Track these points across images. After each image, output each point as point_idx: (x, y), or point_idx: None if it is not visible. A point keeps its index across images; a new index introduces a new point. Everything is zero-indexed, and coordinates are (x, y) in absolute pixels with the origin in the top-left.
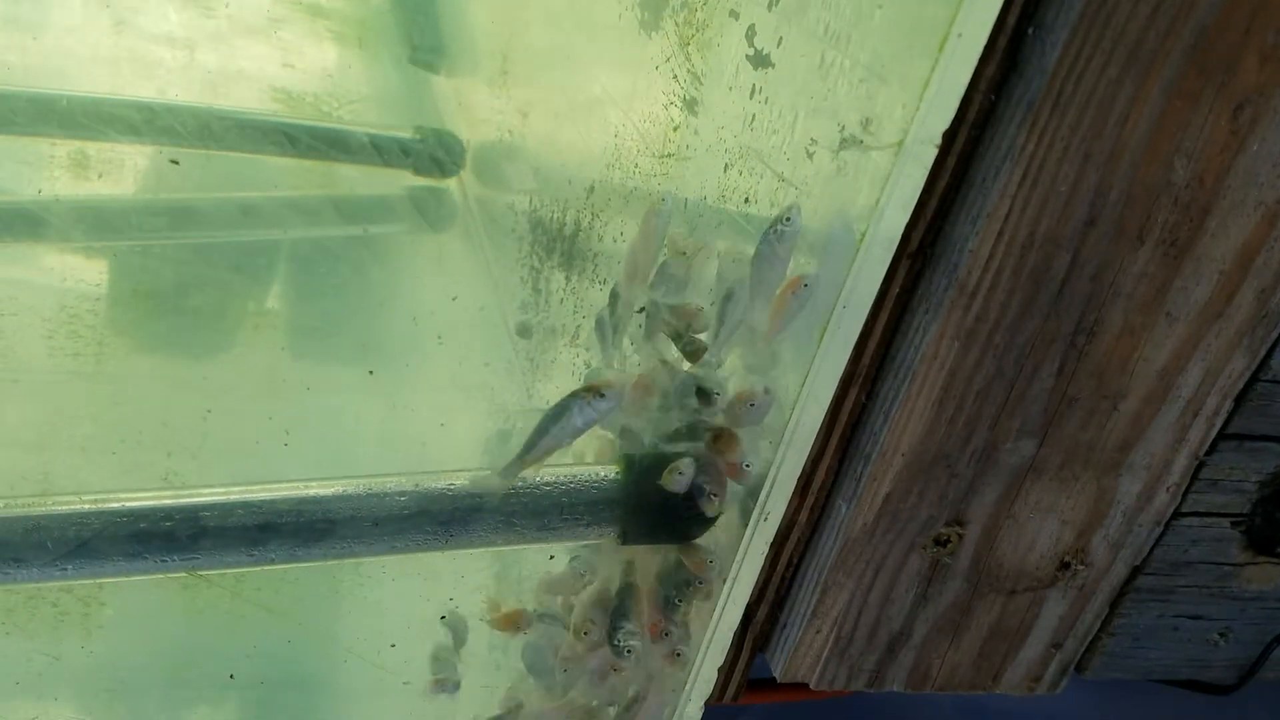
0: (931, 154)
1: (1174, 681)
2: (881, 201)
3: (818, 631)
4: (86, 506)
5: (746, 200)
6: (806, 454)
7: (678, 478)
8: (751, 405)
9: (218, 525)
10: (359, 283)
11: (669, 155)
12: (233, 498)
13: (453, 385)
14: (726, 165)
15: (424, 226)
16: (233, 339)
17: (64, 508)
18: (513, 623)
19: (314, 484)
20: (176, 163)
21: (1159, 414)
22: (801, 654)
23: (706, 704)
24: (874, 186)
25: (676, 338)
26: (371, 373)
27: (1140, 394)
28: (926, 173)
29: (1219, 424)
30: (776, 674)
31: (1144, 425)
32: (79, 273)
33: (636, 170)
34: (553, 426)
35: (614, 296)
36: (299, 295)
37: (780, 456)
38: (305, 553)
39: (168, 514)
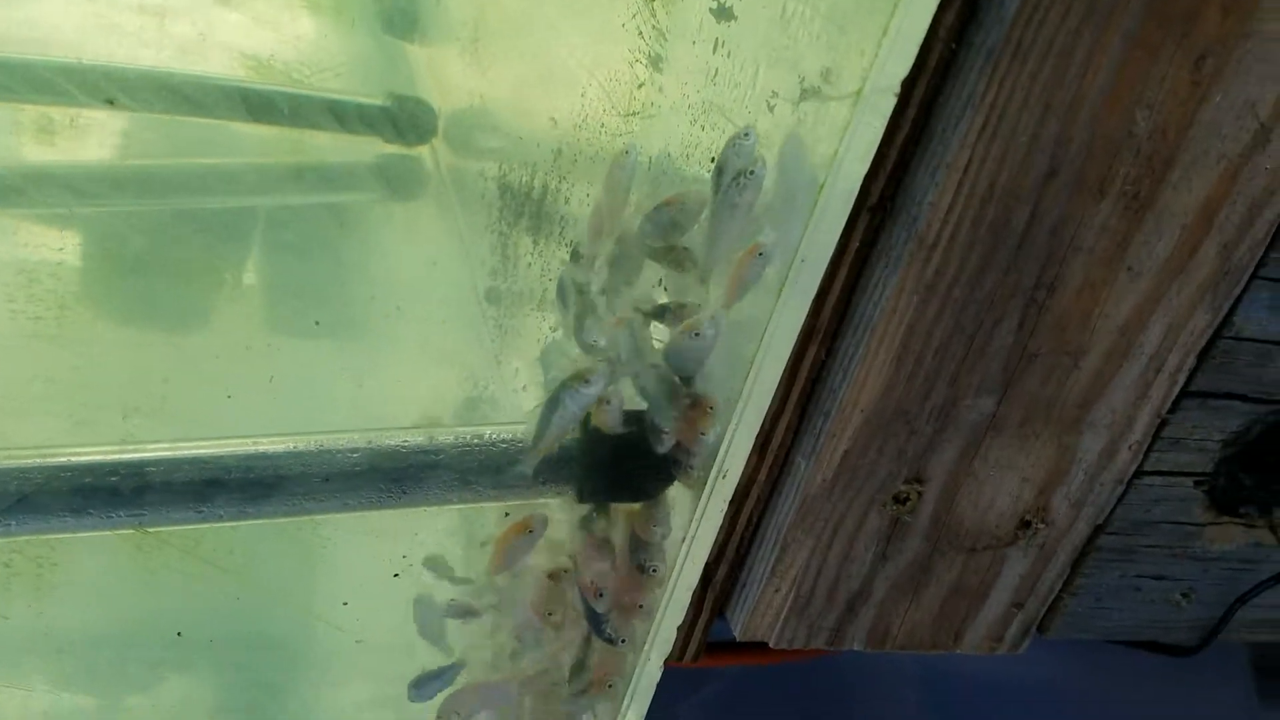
0: (890, 103)
1: (1135, 643)
2: (840, 152)
3: (776, 590)
4: (29, 461)
5: (713, 160)
6: (765, 410)
7: (606, 409)
8: (696, 335)
9: (164, 481)
10: (329, 251)
11: (634, 114)
12: (180, 453)
13: (423, 353)
14: (691, 121)
15: (396, 194)
16: (199, 307)
17: (5, 462)
18: (524, 527)
19: (263, 440)
20: (112, 102)
21: (1120, 371)
22: (761, 612)
23: (666, 663)
24: (833, 138)
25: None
26: (338, 340)
27: (1101, 350)
28: (885, 123)
29: (1181, 381)
30: (736, 632)
31: (1105, 382)
32: (41, 238)
33: (603, 130)
34: (553, 417)
35: (575, 255)
36: (268, 263)
37: (739, 413)
38: (255, 509)
39: (113, 469)
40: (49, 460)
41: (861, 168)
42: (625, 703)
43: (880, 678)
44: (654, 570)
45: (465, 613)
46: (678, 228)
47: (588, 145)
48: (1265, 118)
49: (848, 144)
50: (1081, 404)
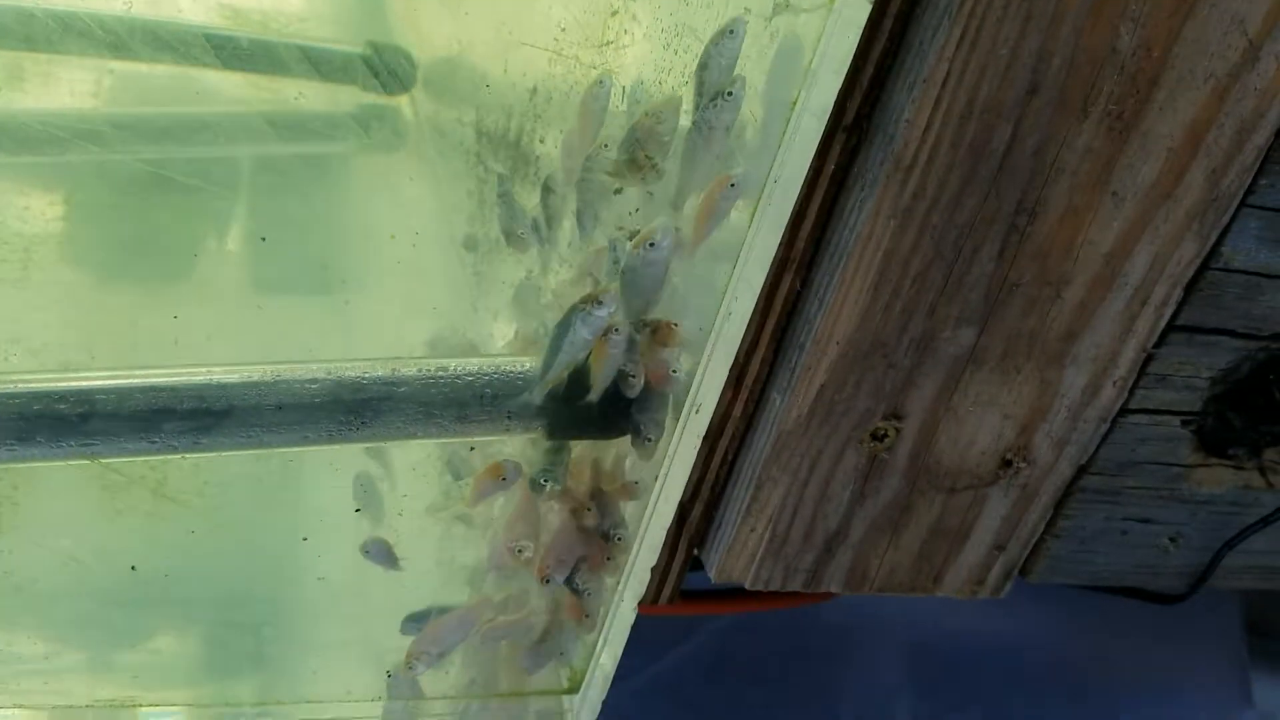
0: (865, 12)
1: (1121, 590)
2: (814, 64)
3: (752, 530)
4: None
5: (686, 82)
6: (739, 344)
7: (612, 339)
8: (650, 245)
9: (113, 409)
10: (306, 202)
11: (608, 43)
12: (130, 381)
13: (400, 302)
14: (664, 45)
15: (374, 144)
16: (172, 257)
17: None
18: (497, 473)
19: (217, 369)
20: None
21: (1105, 302)
22: (736, 553)
23: (640, 605)
24: (806, 51)
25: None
26: (314, 290)
27: (1085, 280)
28: (860, 35)
29: (1168, 314)
30: (711, 574)
31: (1089, 314)
32: (10, 185)
33: (577, 64)
34: (563, 343)
35: (546, 190)
36: (244, 213)
37: (711, 346)
38: (208, 440)
39: (61, 396)
40: None
41: (836, 82)
42: (599, 645)
43: (866, 639)
44: (619, 538)
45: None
46: (655, 138)
47: (562, 81)
48: (1254, 35)
49: (821, 56)
50: (1064, 337)
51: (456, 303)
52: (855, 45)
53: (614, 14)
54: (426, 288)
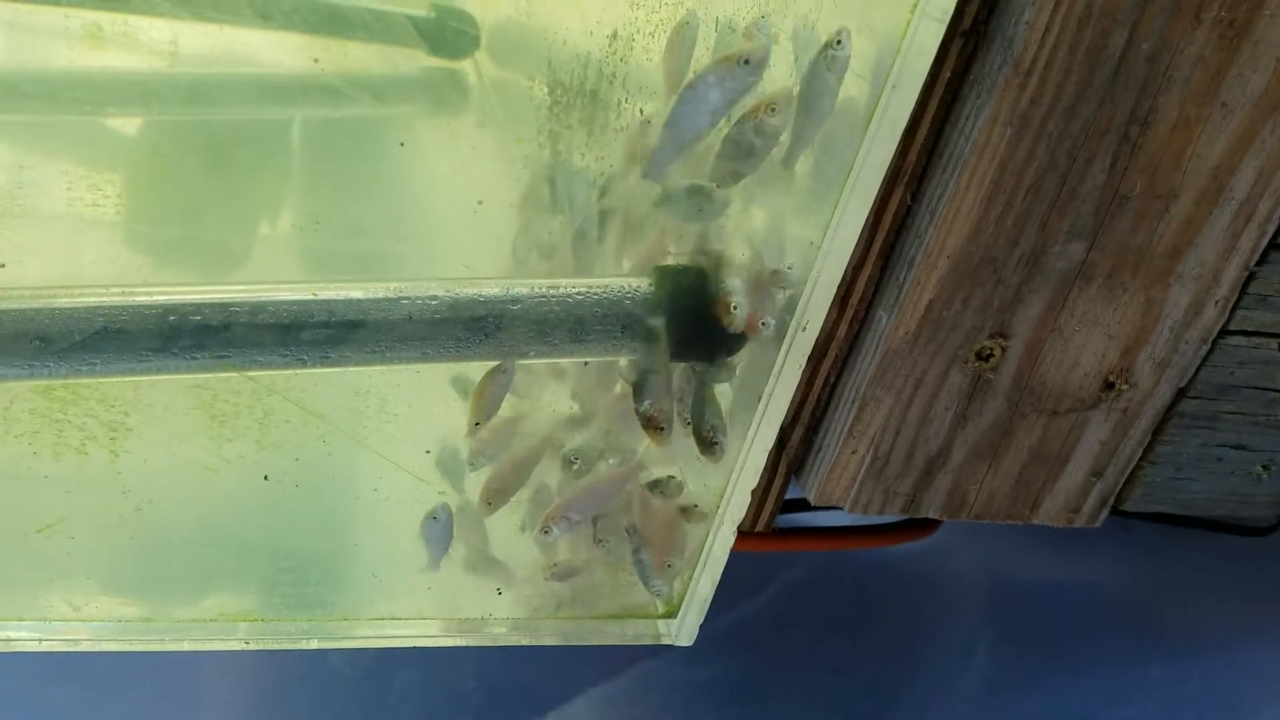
0: None
1: (1208, 523)
2: None
3: (853, 452)
4: (113, 299)
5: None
6: (847, 261)
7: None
8: (773, 110)
9: (249, 320)
10: (371, 164)
11: None
12: (263, 296)
13: (469, 269)
14: None
15: (438, 108)
16: (242, 218)
17: (88, 299)
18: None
19: (345, 285)
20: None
21: (1211, 217)
22: (836, 476)
23: (740, 529)
24: None
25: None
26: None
27: (1192, 194)
28: None
29: (1270, 231)
30: (810, 497)
31: (1195, 229)
32: (99, 139)
33: (662, 3)
34: (687, 108)
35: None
36: (309, 171)
37: (819, 264)
38: (336, 354)
39: (197, 308)
40: (132, 298)
41: None
42: (698, 569)
43: (943, 586)
44: (716, 442)
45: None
46: (760, 147)
47: (645, 21)
48: None
49: None
50: (1170, 253)
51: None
52: None
53: None
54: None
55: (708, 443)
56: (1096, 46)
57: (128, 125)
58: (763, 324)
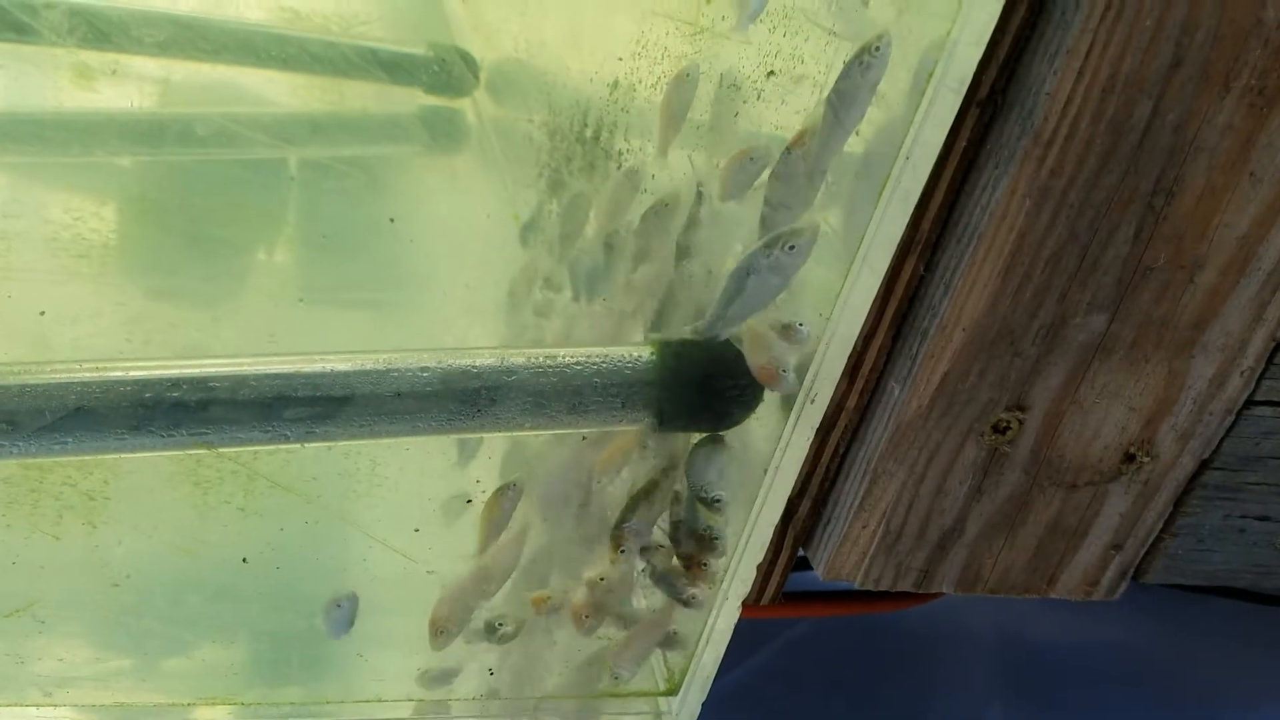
0: None
1: (1227, 592)
2: (953, 35)
3: (864, 525)
4: (86, 375)
5: (801, 60)
6: (858, 331)
7: (780, 377)
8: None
9: (229, 397)
10: (368, 204)
11: (702, 31)
12: (245, 369)
13: (466, 311)
14: (770, 29)
15: (437, 147)
16: (238, 255)
17: (61, 375)
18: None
19: (331, 357)
20: (149, 49)
21: (1237, 287)
22: (847, 550)
23: (744, 604)
24: (942, 22)
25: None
26: (377, 291)
27: (1219, 264)
28: (1000, 5)
29: None
30: (819, 571)
31: (1221, 300)
32: (86, 183)
33: (665, 55)
34: (744, 288)
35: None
36: (304, 212)
37: (829, 333)
38: (322, 429)
39: (175, 383)
40: (106, 374)
41: (976, 54)
42: (701, 646)
43: (952, 646)
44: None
45: None
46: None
47: (648, 73)
48: None
49: (960, 27)
50: (1195, 324)
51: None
52: (997, 14)
53: (709, 1)
54: (489, 288)
55: (707, 540)
56: (1121, 117)
57: (115, 167)
58: (782, 371)
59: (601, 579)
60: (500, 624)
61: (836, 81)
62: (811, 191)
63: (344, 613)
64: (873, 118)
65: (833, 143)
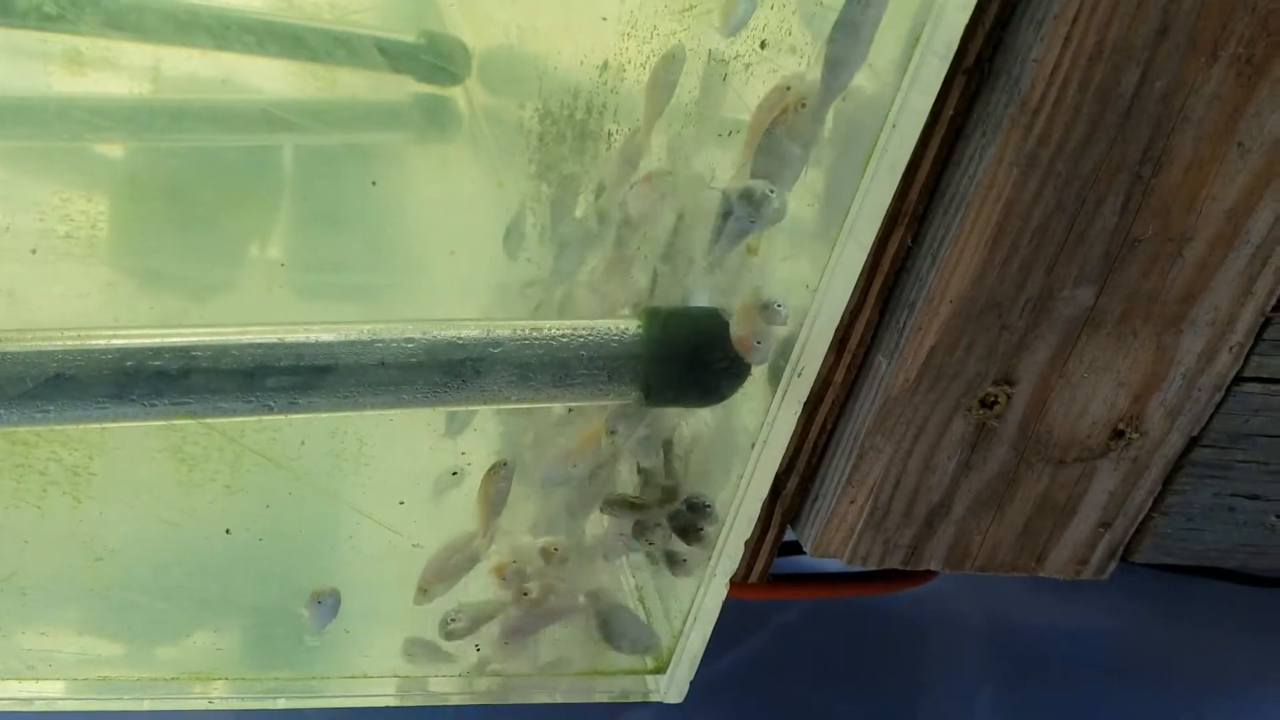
0: None
1: (1218, 572)
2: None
3: (852, 501)
4: (69, 343)
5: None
6: (844, 305)
7: (757, 349)
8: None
9: (210, 366)
10: (360, 191)
11: (690, 8)
12: (228, 338)
13: (460, 297)
14: (759, 4)
15: (428, 135)
16: (227, 244)
17: (42, 343)
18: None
19: (315, 327)
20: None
21: (1226, 260)
22: (834, 527)
23: (732, 581)
24: None
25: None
26: (368, 278)
27: (1207, 237)
28: None
29: None
30: (807, 548)
31: (1209, 274)
32: (78, 166)
33: (655, 34)
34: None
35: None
36: (297, 199)
37: (815, 307)
38: (305, 400)
39: (156, 351)
40: (88, 342)
41: (963, 18)
42: (688, 624)
43: (941, 633)
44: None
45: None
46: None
47: (636, 53)
48: None
49: None
50: (1184, 298)
51: (513, 293)
52: None
53: None
54: (480, 275)
55: (700, 507)
56: (1108, 84)
57: (107, 153)
58: (756, 342)
59: (555, 549)
60: (453, 619)
61: (836, 20)
62: (801, 163)
63: (325, 608)
64: (859, 86)
65: (835, 86)
